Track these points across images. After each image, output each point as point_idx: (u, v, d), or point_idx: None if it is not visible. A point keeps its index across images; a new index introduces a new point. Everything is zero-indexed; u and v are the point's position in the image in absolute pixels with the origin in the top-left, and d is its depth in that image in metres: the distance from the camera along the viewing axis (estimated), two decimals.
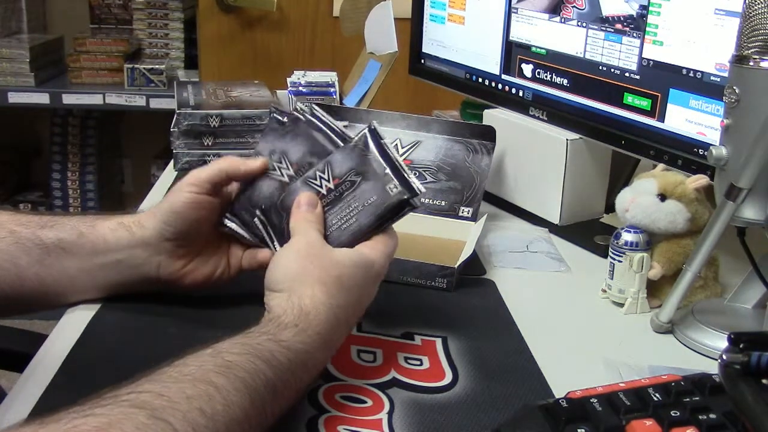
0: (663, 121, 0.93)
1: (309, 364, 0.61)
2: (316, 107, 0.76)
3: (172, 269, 0.76)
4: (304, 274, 0.65)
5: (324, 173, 0.73)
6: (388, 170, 0.70)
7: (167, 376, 0.52)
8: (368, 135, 0.72)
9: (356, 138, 0.72)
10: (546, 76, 1.09)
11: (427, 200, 1.01)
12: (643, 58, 0.94)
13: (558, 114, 1.07)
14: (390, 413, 0.64)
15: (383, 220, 0.70)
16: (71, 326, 0.75)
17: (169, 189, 1.14)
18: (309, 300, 0.63)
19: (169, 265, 0.75)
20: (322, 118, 0.75)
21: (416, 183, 0.70)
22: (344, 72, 1.41)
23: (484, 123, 1.16)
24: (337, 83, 1.32)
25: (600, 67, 1.00)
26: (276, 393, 0.56)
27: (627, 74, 0.96)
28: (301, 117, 0.76)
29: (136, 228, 0.75)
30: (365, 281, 0.68)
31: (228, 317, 0.76)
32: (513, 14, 1.13)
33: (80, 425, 0.45)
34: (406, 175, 0.70)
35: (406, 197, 0.70)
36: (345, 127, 0.75)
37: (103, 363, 0.70)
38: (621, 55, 0.97)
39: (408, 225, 0.99)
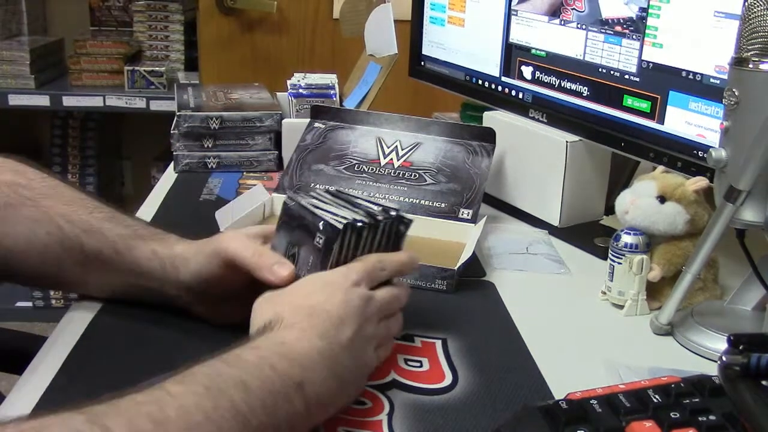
0: (662, 124, 0.93)
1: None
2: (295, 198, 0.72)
3: (201, 310, 0.75)
4: (278, 313, 0.62)
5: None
6: (309, 226, 0.68)
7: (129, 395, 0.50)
8: (283, 209, 0.71)
9: (280, 215, 0.71)
10: (546, 78, 1.09)
11: (427, 202, 1.01)
12: (643, 61, 0.94)
13: (558, 116, 1.08)
14: (390, 415, 0.64)
15: (330, 260, 0.67)
16: (71, 327, 0.75)
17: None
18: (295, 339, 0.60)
19: (198, 307, 0.75)
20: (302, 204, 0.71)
21: (337, 216, 0.67)
22: (344, 74, 1.41)
23: (483, 125, 1.16)
24: (337, 85, 1.32)
25: (600, 70, 1.00)
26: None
27: (627, 76, 0.96)
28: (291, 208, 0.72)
29: (170, 268, 0.73)
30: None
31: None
32: (513, 16, 1.13)
33: (9, 430, 0.44)
34: (325, 216, 0.67)
35: (326, 236, 0.66)
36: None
37: (102, 364, 0.70)
38: (620, 57, 0.97)
39: None
